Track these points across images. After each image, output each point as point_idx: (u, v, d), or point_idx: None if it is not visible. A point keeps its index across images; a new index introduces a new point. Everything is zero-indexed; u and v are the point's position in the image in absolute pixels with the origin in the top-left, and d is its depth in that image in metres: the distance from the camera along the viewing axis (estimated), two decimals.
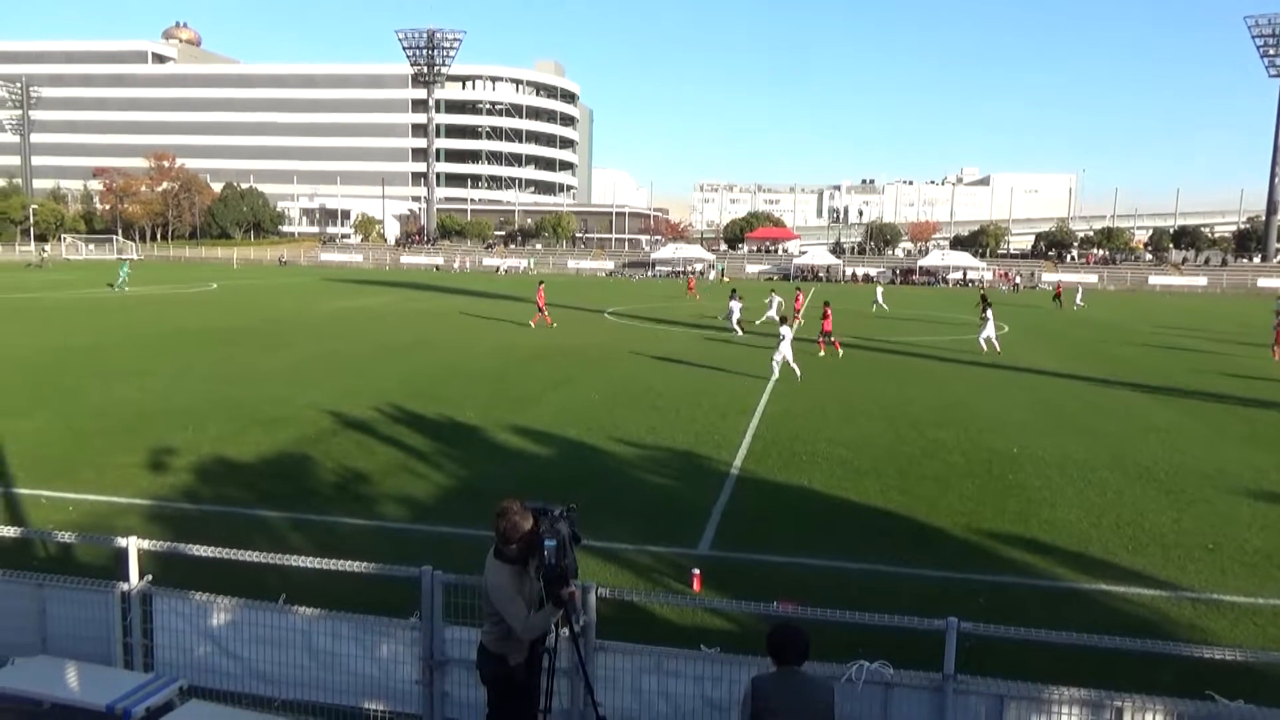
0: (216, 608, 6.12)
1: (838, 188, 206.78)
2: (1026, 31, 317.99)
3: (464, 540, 9.92)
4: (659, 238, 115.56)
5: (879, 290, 52.46)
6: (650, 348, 27.73)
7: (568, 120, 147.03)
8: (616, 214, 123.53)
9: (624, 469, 13.27)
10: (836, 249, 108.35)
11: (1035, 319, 45.03)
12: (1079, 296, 56.32)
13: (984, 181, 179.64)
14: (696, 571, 8.82)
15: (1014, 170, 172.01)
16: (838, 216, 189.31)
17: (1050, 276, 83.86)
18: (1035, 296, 62.08)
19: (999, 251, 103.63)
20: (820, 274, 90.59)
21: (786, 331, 22.42)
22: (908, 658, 5.51)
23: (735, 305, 34.36)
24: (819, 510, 11.53)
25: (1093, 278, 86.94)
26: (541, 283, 35.47)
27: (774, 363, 22.06)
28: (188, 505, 11.09)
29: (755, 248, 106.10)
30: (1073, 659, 6.40)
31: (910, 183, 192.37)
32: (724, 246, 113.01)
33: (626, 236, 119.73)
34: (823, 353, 26.97)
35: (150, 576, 6.32)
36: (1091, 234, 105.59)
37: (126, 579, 6.26)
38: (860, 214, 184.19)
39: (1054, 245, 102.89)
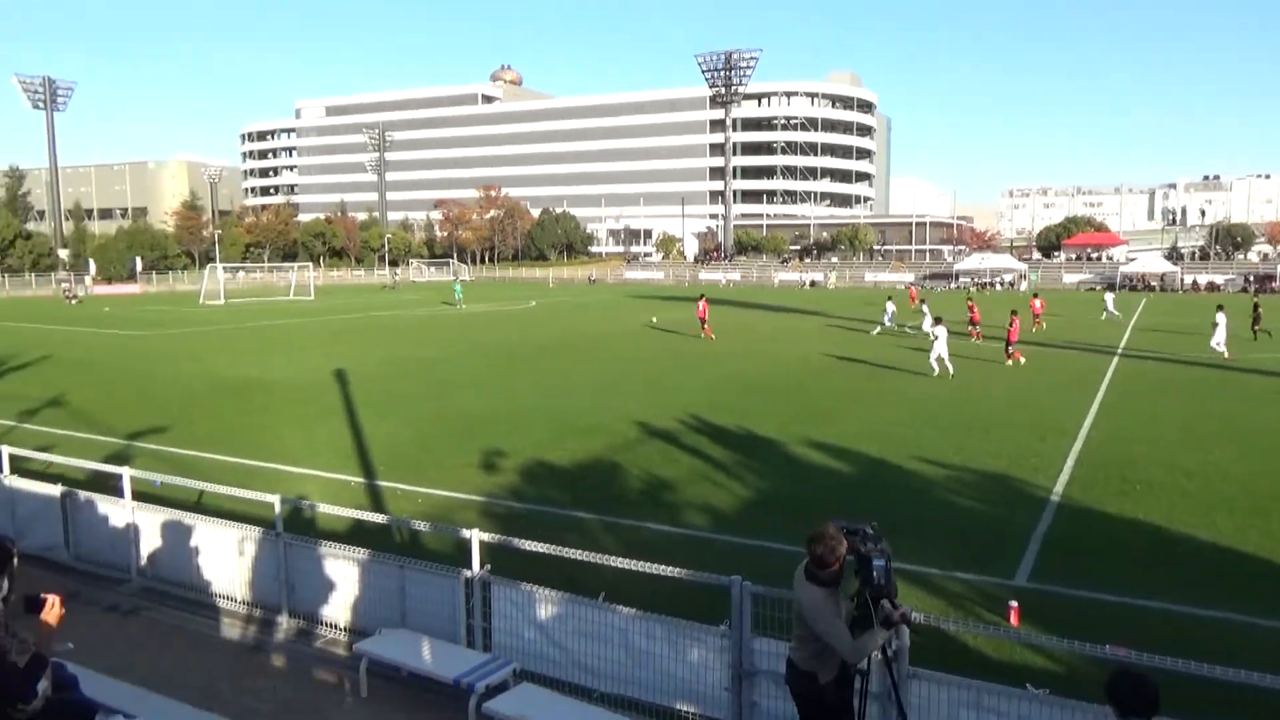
0: (546, 599, 6.64)
1: (1173, 186, 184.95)
2: None
3: (762, 552, 10.01)
4: (963, 247, 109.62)
5: (1108, 297, 48.49)
6: (959, 363, 26.36)
7: (864, 130, 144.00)
8: (916, 224, 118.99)
9: (929, 490, 12.71)
10: (1173, 254, 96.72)
11: None
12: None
13: None
14: (1014, 604, 8.23)
15: None
16: (1173, 219, 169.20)
17: None
18: None
19: None
20: (1152, 283, 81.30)
21: (941, 331, 23.96)
22: None
23: (890, 308, 37.77)
24: (1156, 546, 10.34)
25: None
26: (702, 296, 37.24)
27: (932, 361, 23.64)
28: (514, 503, 12.14)
29: (1074, 255, 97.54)
30: None
31: (1267, 176, 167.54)
32: (1037, 255, 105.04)
33: (927, 247, 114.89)
34: (1010, 363, 26.14)
35: (489, 565, 6.99)
36: None
37: (470, 567, 6.98)
38: (1201, 214, 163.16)
39: None
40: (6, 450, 10.35)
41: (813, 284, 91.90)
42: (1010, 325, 27.00)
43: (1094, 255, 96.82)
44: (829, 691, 4.94)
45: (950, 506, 11.95)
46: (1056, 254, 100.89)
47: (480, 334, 37.46)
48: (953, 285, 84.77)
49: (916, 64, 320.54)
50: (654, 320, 44.45)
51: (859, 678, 4.95)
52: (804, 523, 9.57)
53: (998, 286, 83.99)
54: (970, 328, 33.51)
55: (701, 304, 35.42)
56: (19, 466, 10.52)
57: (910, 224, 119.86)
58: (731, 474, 13.59)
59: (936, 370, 23.49)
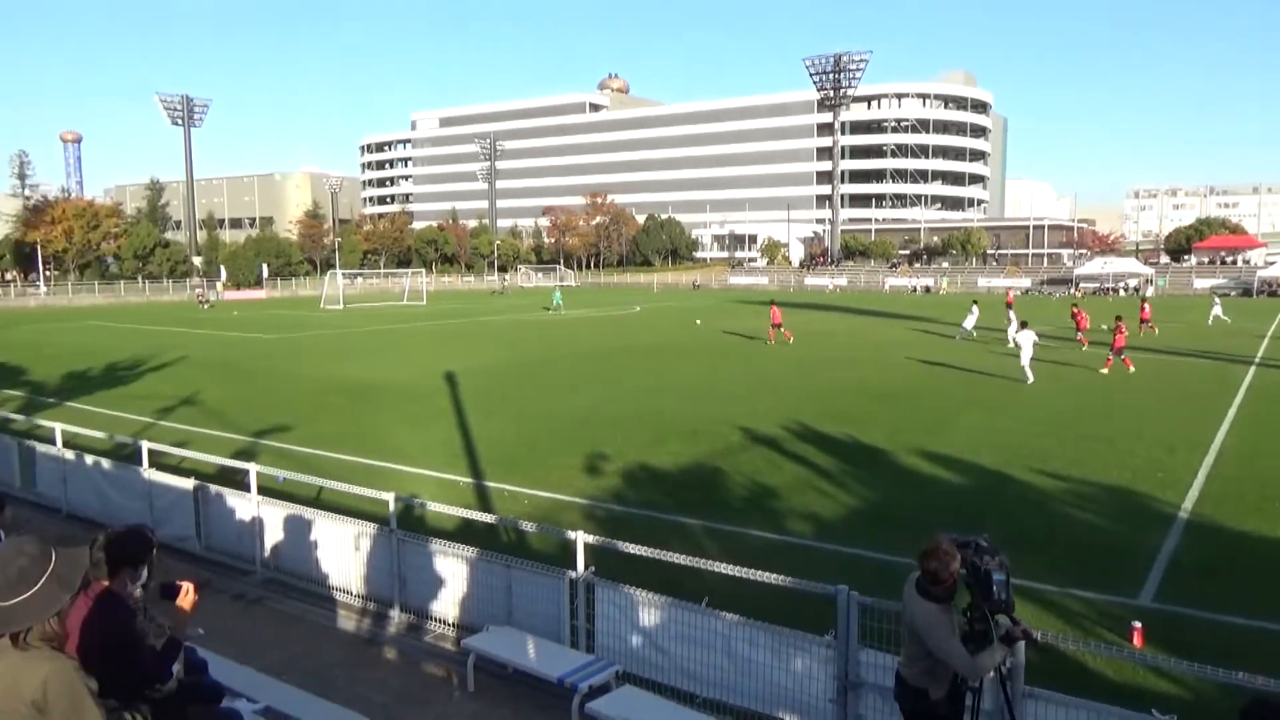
0: (649, 603, 6.66)
1: None
2: None
3: (868, 563, 9.82)
4: (1083, 251, 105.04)
5: (1217, 302, 46.47)
6: (1074, 372, 25.27)
7: (978, 131, 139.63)
8: (1034, 227, 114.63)
9: (1046, 502, 12.22)
10: None
11: None
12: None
13: None
14: (1138, 625, 7.83)
15: None
16: None
17: None
18: None
19: None
20: None
21: (1026, 337, 23.99)
22: None
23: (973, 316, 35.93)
24: None
25: None
26: (773, 301, 36.62)
27: (1025, 368, 23.39)
28: (615, 506, 12.24)
29: (1206, 259, 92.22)
30: None
31: None
32: (1164, 259, 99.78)
33: (1045, 251, 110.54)
34: (1105, 370, 24.93)
35: (594, 568, 7.06)
36: None
37: (574, 568, 7.07)
38: None
39: None
40: (146, 445, 11.04)
41: (926, 290, 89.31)
42: (1116, 331, 25.68)
43: (1228, 259, 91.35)
44: (940, 708, 4.80)
45: (1069, 520, 11.46)
46: (1186, 258, 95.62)
47: (584, 338, 37.93)
48: (1071, 290, 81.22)
49: (1034, 61, 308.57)
50: (698, 323, 45.54)
51: (971, 695, 4.79)
52: (913, 534, 9.34)
53: (1121, 292, 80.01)
54: (1078, 335, 32.05)
55: (774, 310, 35.20)
56: (157, 461, 11.18)
57: (1027, 227, 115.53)
58: (837, 482, 13.36)
59: (1031, 377, 23.15)
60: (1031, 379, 22.98)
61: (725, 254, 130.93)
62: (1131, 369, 24.79)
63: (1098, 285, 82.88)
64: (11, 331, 43.30)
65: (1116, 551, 10.22)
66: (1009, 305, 40.50)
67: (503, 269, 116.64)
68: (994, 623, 4.46)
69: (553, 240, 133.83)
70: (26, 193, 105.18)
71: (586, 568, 7.04)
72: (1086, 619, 8.41)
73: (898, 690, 4.96)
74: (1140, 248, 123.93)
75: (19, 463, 12.65)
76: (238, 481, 10.27)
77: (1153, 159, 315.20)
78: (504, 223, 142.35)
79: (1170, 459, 14.50)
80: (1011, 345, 30.34)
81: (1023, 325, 25.05)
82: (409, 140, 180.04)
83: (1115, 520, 11.43)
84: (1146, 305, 37.85)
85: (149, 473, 10.65)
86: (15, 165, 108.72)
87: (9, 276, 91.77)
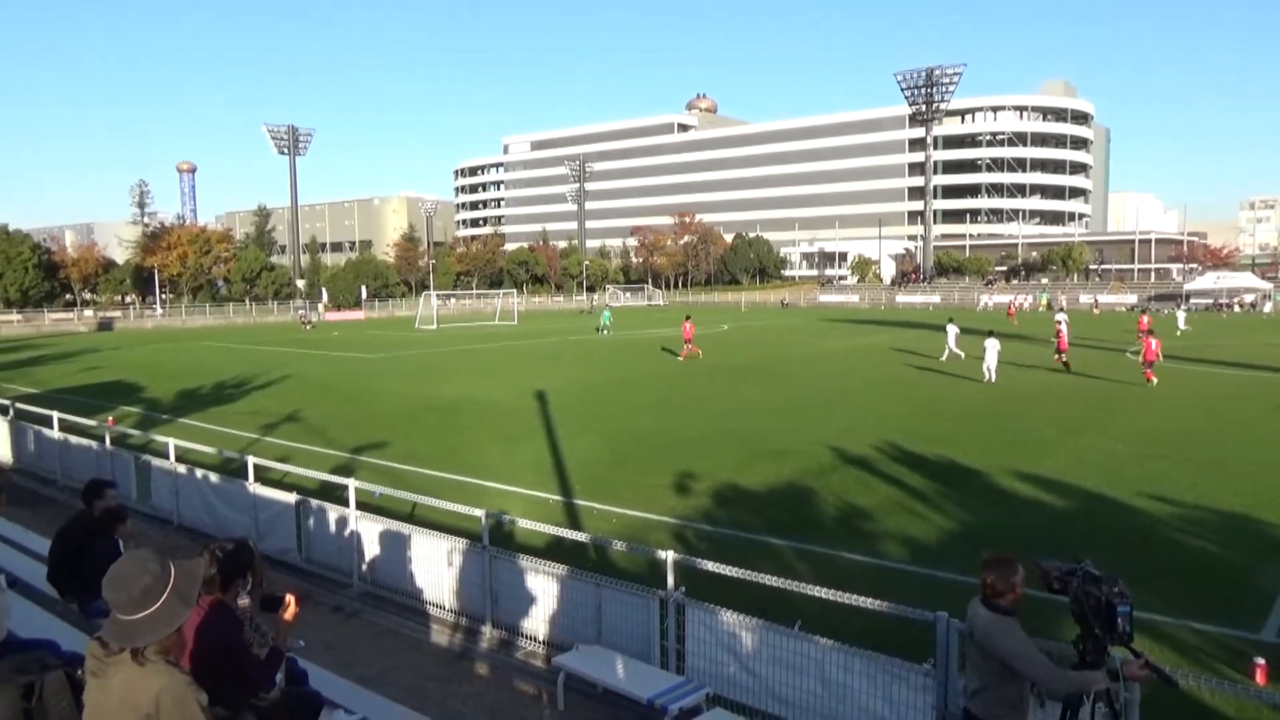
0: (740, 624, 6.57)
1: None
2: None
3: (964, 587, 9.44)
4: (1194, 266, 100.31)
5: (1180, 315, 51.82)
6: (1183, 390, 24.08)
7: (1079, 143, 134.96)
8: (1140, 241, 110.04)
9: (1157, 529, 11.64)
10: None
11: None
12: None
13: None
14: (1261, 661, 7.35)
15: None
16: None
17: None
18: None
19: None
20: None
21: (993, 343, 26.75)
22: None
23: (952, 332, 34.69)
24: None
25: None
26: (688, 317, 38.12)
27: (985, 369, 26.64)
28: (705, 526, 12.15)
29: None
30: None
31: None
32: None
33: (1152, 266, 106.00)
34: (1154, 381, 25.29)
35: (684, 588, 7.01)
36: None
37: (664, 588, 7.04)
38: None
39: None
40: (252, 461, 11.47)
41: (1048, 305, 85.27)
42: (1144, 345, 26.29)
43: None
44: None
45: (1183, 547, 10.89)
46: None
47: (672, 357, 37.93)
48: (1180, 307, 77.54)
49: (1138, 69, 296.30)
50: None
51: None
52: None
53: (1236, 308, 76.01)
54: (1056, 355, 30.59)
55: (687, 325, 36.60)
56: (261, 476, 11.60)
57: (1132, 241, 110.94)
58: (932, 504, 13.00)
59: (989, 377, 26.42)
60: (991, 380, 26.20)
61: (814, 272, 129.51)
62: (1153, 382, 25.09)
63: (1211, 301, 78.94)
64: (131, 352, 45.73)
65: (1236, 581, 9.66)
66: (1012, 316, 42.08)
67: (591, 289, 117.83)
68: (1104, 654, 4.24)
69: (640, 260, 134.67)
70: (145, 220, 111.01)
71: (676, 588, 6.99)
72: (1203, 653, 7.96)
73: None
74: (1257, 261, 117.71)
75: (135, 476, 13.30)
76: (337, 496, 10.57)
77: (1270, 168, 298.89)
78: (593, 243, 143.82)
79: None
80: (956, 357, 32.66)
81: (989, 334, 27.54)
82: (501, 164, 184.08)
83: (1233, 548, 10.81)
84: (1145, 316, 40.48)
85: (254, 487, 11.06)
86: (136, 195, 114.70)
87: (129, 300, 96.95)
